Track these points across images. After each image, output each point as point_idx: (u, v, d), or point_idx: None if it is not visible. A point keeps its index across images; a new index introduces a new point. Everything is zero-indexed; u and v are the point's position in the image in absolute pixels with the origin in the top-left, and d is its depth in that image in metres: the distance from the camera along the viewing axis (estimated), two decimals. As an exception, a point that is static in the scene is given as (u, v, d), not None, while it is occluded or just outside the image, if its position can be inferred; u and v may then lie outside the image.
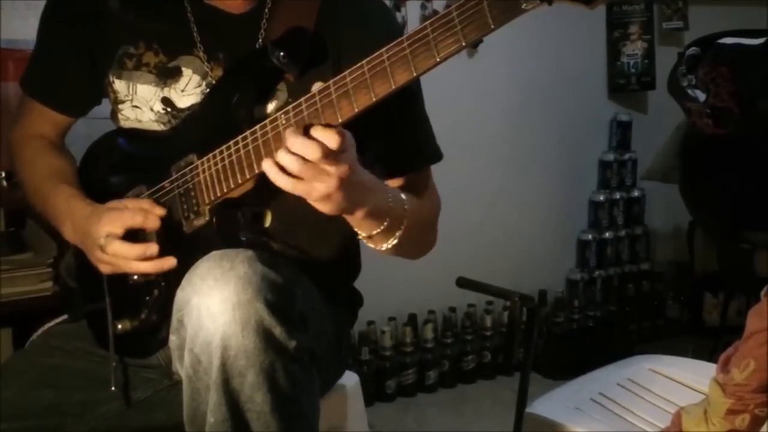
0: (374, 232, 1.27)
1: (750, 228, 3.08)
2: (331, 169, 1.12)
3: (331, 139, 1.11)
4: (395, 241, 1.30)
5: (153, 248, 1.29)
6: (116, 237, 1.30)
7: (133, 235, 1.31)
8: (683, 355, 2.16)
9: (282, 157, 1.12)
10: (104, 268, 1.34)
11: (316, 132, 1.12)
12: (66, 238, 1.42)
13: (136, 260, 1.29)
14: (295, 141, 1.12)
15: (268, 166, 1.15)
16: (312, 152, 1.11)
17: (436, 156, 1.47)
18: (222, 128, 1.26)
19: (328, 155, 1.11)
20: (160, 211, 1.31)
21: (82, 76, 1.46)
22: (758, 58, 2.95)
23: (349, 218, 1.24)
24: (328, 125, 1.12)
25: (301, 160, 1.11)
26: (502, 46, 3.19)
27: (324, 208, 1.17)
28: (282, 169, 1.13)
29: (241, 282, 1.10)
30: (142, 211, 1.30)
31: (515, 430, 1.96)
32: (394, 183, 1.38)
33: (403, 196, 1.31)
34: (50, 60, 1.49)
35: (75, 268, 1.49)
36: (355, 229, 1.28)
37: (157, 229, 1.30)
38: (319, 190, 1.13)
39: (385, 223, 1.26)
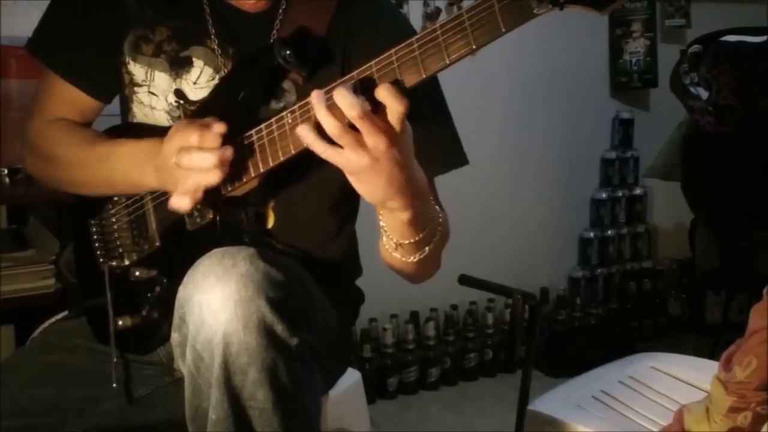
0: (410, 240, 1.21)
1: (752, 225, 3.08)
2: (368, 140, 1.06)
3: (394, 99, 1.04)
4: (422, 256, 1.24)
5: (228, 151, 1.18)
6: (188, 151, 1.19)
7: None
8: (685, 353, 2.16)
9: (322, 116, 1.06)
10: (182, 198, 1.22)
11: (381, 91, 1.04)
12: (151, 186, 1.31)
13: (215, 168, 1.18)
14: (341, 93, 1.05)
15: (303, 131, 1.09)
16: (353, 109, 1.04)
17: (458, 160, 1.40)
18: (226, 126, 1.25)
19: (370, 124, 1.04)
20: (220, 128, 1.19)
21: (102, 54, 1.42)
22: (760, 56, 2.95)
23: (390, 218, 1.19)
24: (391, 86, 1.05)
25: (339, 124, 1.05)
26: (505, 44, 3.16)
27: (359, 188, 1.11)
28: (321, 132, 1.07)
29: (242, 279, 1.09)
30: (198, 128, 1.19)
31: (517, 428, 1.96)
32: None
33: (438, 208, 1.27)
34: (76, 41, 1.43)
35: (75, 264, 1.49)
36: (389, 236, 1.22)
37: (216, 147, 1.18)
38: (350, 162, 1.07)
39: (423, 234, 1.21)
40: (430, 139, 1.32)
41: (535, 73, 3.47)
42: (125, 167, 1.33)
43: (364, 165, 1.07)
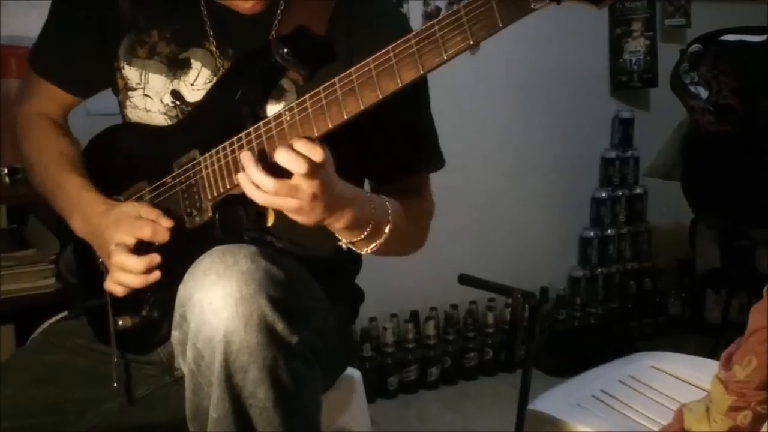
0: (355, 239, 1.28)
1: (752, 225, 3.08)
2: (304, 184, 1.13)
3: (315, 152, 1.12)
4: (376, 246, 1.31)
5: (156, 258, 1.29)
6: (126, 247, 1.30)
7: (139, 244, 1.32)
8: (685, 353, 2.16)
9: (257, 175, 1.14)
10: (116, 287, 1.34)
11: (300, 145, 1.12)
12: (72, 228, 1.41)
13: (141, 274, 1.30)
14: (252, 174, 1.14)
15: (243, 180, 1.16)
16: (298, 167, 1.12)
17: (437, 163, 1.47)
18: (225, 124, 1.25)
19: (290, 187, 1.13)
20: (168, 223, 1.31)
21: (93, 56, 1.45)
22: (761, 55, 2.95)
23: (330, 227, 1.25)
24: (308, 138, 1.13)
25: (265, 194, 1.14)
26: (505, 43, 3.18)
27: (299, 219, 1.18)
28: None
29: (243, 277, 1.10)
30: (152, 224, 1.30)
31: (517, 427, 1.96)
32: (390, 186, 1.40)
33: (387, 203, 1.31)
34: (60, 38, 1.47)
35: (75, 264, 1.49)
36: (338, 238, 1.29)
37: (165, 241, 1.30)
38: (291, 205, 1.15)
39: (367, 231, 1.27)
40: (410, 144, 1.41)
41: (536, 73, 3.46)
42: (64, 202, 1.42)
43: (302, 207, 1.16)
